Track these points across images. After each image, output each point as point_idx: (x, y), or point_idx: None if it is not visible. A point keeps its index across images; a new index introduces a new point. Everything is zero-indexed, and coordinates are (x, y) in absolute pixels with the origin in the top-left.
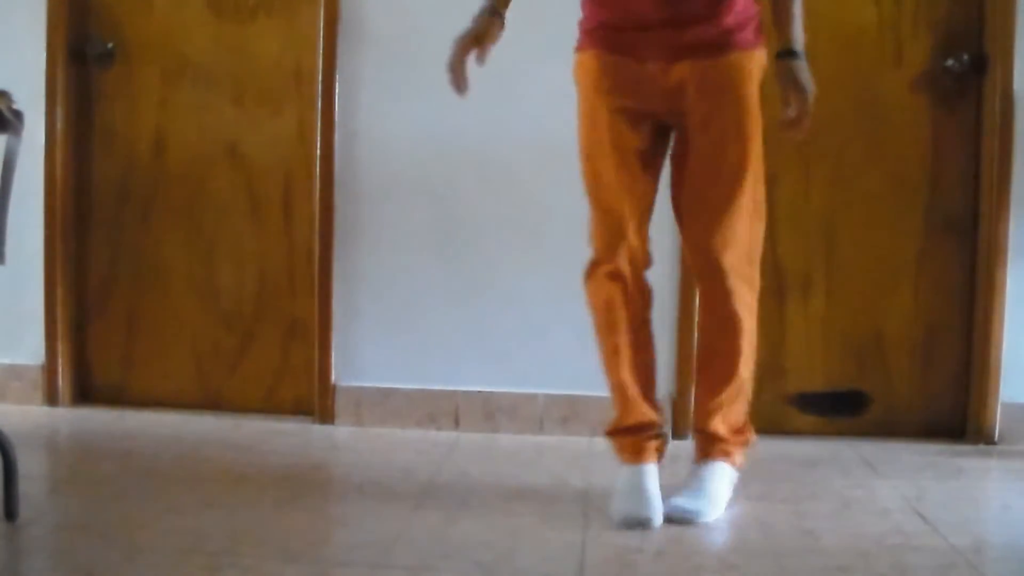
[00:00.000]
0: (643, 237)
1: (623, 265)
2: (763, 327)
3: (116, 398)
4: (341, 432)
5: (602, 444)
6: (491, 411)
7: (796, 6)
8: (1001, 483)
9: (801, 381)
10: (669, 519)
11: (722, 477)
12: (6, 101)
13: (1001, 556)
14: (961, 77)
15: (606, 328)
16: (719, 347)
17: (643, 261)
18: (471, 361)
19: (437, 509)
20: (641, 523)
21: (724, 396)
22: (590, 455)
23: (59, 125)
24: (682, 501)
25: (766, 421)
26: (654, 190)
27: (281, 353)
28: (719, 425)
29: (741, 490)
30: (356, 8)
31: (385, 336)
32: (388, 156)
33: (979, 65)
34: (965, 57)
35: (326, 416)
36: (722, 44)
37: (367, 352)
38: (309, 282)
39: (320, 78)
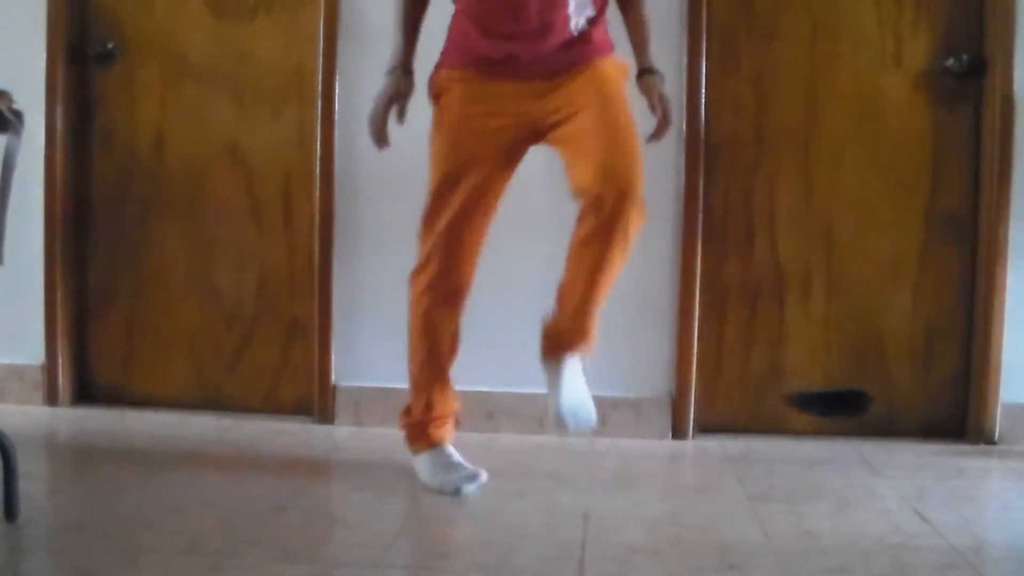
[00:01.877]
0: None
1: (458, 284)
2: (763, 327)
3: (116, 398)
4: (341, 432)
5: (602, 444)
6: (491, 411)
7: (647, 31)
8: (1001, 483)
9: (801, 381)
10: (562, 422)
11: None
12: (6, 101)
13: (1001, 556)
14: (961, 77)
15: (428, 337)
16: (604, 258)
17: (468, 287)
18: (471, 361)
19: (437, 509)
20: (457, 490)
21: (595, 299)
22: (590, 455)
23: (59, 125)
24: (573, 406)
25: (766, 421)
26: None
27: (281, 353)
28: (586, 322)
29: (741, 490)
30: (356, 8)
31: (385, 336)
32: (388, 156)
33: (979, 65)
34: (965, 57)
35: (326, 416)
36: (587, 56)
37: (367, 352)
38: (309, 282)
39: (320, 78)
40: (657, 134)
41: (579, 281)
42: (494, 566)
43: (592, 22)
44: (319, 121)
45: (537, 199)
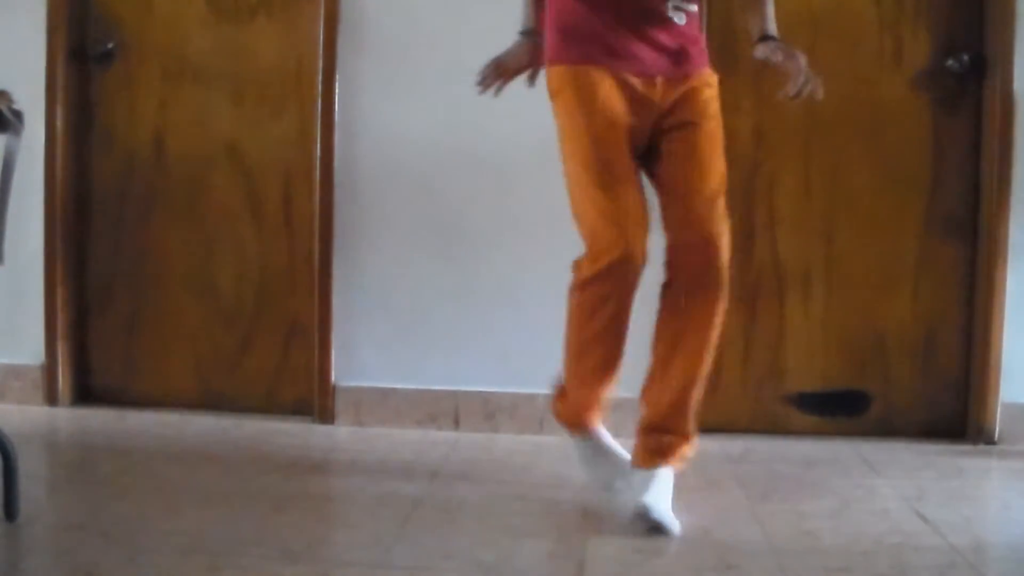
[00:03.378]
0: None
1: (636, 259)
2: (763, 327)
3: (116, 398)
4: (341, 432)
5: None
6: (491, 411)
7: (768, 5)
8: (1001, 483)
9: (801, 381)
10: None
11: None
12: (6, 101)
13: (1001, 556)
14: (961, 77)
15: (599, 340)
16: (690, 344)
17: (644, 259)
18: (471, 361)
19: (437, 509)
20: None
21: (693, 394)
22: None
23: (59, 125)
24: (659, 513)
25: (766, 421)
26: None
27: (281, 353)
28: (685, 425)
29: (741, 490)
30: (356, 8)
31: (385, 336)
32: (388, 156)
33: (979, 65)
34: (965, 57)
35: (326, 416)
36: (696, 61)
37: (367, 352)
38: (309, 282)
39: (320, 78)
40: (802, 91)
41: (665, 366)
42: (494, 566)
43: (690, 17)
44: (319, 121)
45: (538, 197)
